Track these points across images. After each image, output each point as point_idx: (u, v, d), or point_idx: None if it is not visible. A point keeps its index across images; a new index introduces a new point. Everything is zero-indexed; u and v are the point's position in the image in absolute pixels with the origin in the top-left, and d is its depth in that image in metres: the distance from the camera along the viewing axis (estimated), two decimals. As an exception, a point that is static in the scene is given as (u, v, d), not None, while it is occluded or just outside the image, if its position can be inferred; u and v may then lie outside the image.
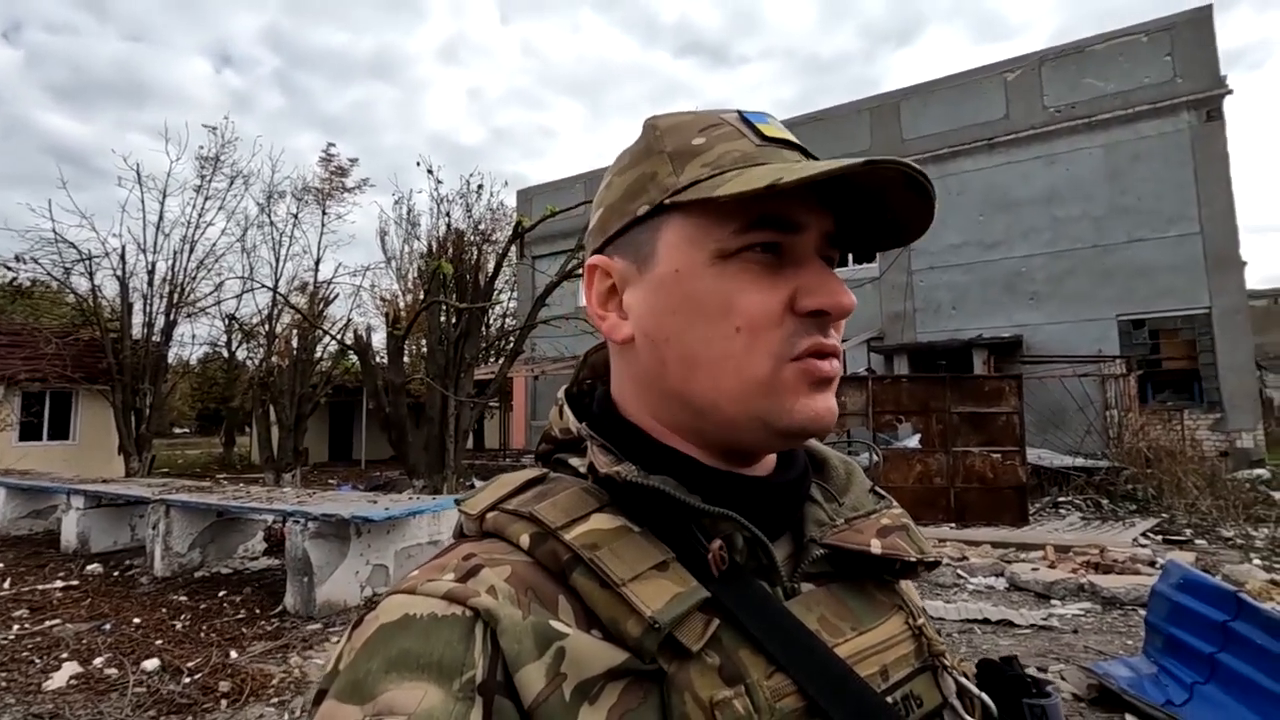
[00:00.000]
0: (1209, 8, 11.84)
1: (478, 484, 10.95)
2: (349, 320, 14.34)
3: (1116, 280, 12.06)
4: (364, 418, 18.55)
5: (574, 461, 0.45)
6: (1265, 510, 7.37)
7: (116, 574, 5.91)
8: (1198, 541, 6.29)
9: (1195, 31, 11.86)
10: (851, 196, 0.42)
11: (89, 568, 6.04)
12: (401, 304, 21.57)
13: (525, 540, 0.38)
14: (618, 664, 0.34)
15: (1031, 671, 0.47)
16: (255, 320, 16.68)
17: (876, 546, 0.44)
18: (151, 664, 3.66)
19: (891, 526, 0.47)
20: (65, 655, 3.83)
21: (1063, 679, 3.42)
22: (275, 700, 3.25)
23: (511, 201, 20.45)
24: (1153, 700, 2.96)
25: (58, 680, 3.49)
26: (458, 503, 0.46)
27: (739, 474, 0.43)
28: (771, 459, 0.47)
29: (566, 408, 0.48)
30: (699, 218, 0.41)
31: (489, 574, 0.36)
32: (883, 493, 0.51)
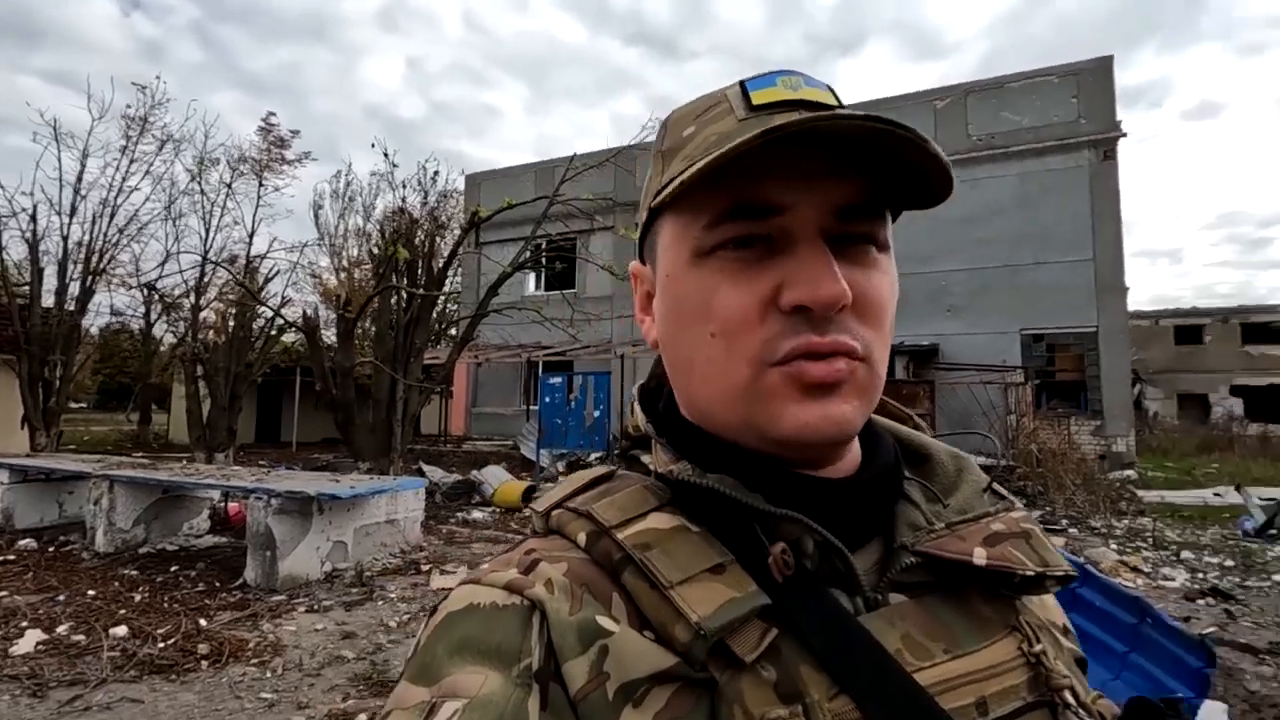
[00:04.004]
0: (1110, 57, 13.23)
1: (424, 468, 10.87)
2: (285, 299, 13.94)
3: (1022, 298, 13.34)
4: (296, 399, 18.02)
5: (645, 458, 0.45)
6: (1128, 505, 8.53)
7: (52, 549, 5.79)
8: (1070, 530, 7.27)
9: (1098, 78, 13.22)
10: (872, 153, 0.36)
11: (21, 543, 5.88)
12: (333, 281, 20.93)
13: (582, 538, 0.38)
14: (665, 667, 0.33)
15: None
16: (179, 292, 15.94)
17: (980, 557, 0.39)
18: (121, 630, 3.77)
19: (1005, 533, 0.41)
20: (25, 623, 3.87)
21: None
22: (255, 661, 3.46)
23: (435, 166, 20.21)
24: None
25: (24, 645, 3.56)
26: (528, 497, 0.56)
27: (805, 474, 0.40)
28: (855, 455, 0.43)
29: (637, 404, 0.48)
30: (677, 217, 0.40)
31: (547, 568, 0.37)
32: (1003, 493, 0.45)
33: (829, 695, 0.33)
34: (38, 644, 3.60)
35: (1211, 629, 4.00)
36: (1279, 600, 4.75)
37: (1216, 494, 9.80)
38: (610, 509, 0.39)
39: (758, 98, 0.38)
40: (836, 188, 0.37)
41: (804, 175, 0.36)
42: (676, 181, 0.36)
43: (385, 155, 9.43)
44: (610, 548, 0.37)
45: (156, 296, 16.61)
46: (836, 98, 0.39)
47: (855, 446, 0.43)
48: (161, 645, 3.60)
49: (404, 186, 9.19)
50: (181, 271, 15.01)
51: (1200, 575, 5.37)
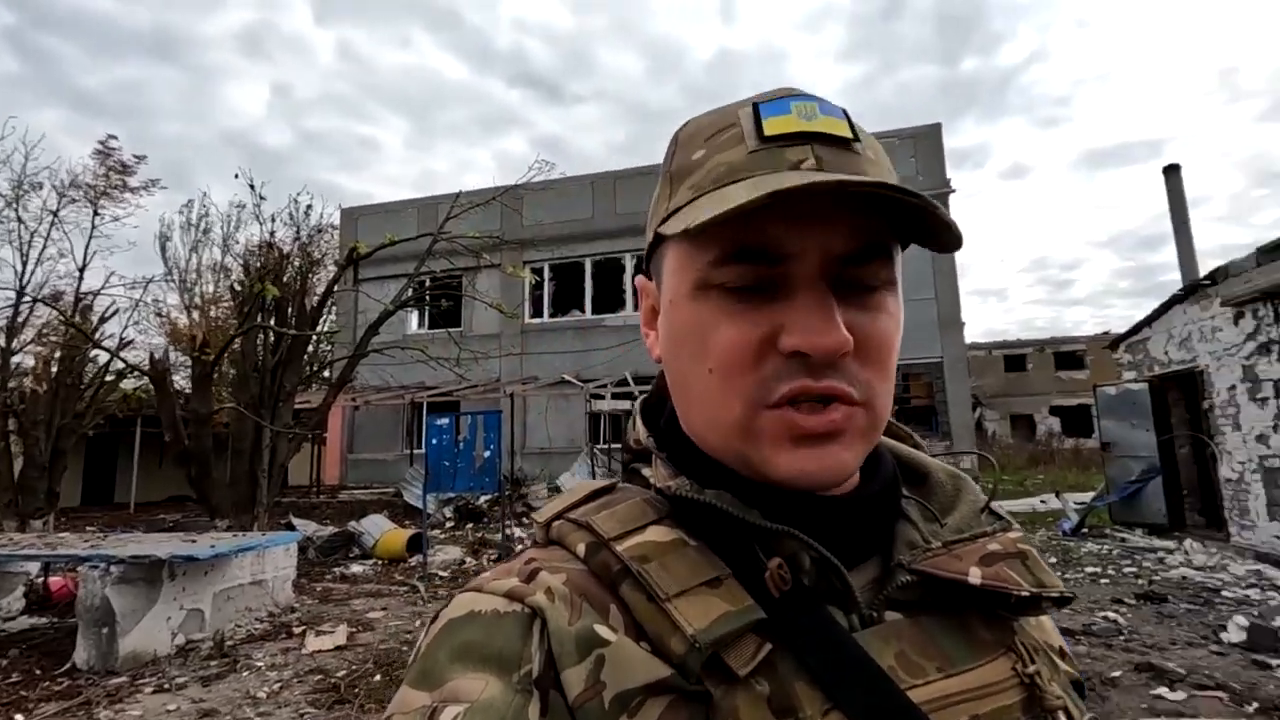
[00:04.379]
0: (939, 125, 15.31)
1: (295, 522, 10.01)
2: (124, 340, 12.39)
3: (879, 332, 14.77)
4: (135, 453, 15.92)
5: (645, 472, 0.45)
6: (974, 515, 9.61)
7: None
8: (929, 541, 8.05)
9: (930, 141, 15.23)
10: (882, 200, 0.36)
11: None
12: (184, 321, 18.98)
13: (581, 549, 0.39)
14: (660, 679, 0.33)
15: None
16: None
17: (976, 576, 0.39)
18: (-96, 740, 3.14)
19: (1001, 553, 0.41)
20: None
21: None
22: (91, 755, 3.01)
23: (309, 199, 19.19)
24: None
25: None
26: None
27: (801, 491, 0.39)
28: (854, 474, 0.42)
29: (638, 418, 0.48)
30: (682, 246, 0.40)
31: (547, 577, 0.37)
32: (1001, 513, 0.45)
33: (822, 711, 0.33)
34: None
35: (1041, 618, 4.59)
36: (1090, 589, 5.55)
37: (1043, 501, 11.25)
38: (609, 521, 0.39)
39: (770, 127, 0.38)
40: (843, 234, 0.37)
41: (812, 220, 0.36)
42: (680, 228, 0.36)
43: (251, 187, 8.78)
44: (609, 559, 0.37)
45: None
46: (851, 126, 0.39)
47: None
48: (-36, 751, 3.04)
49: (273, 220, 8.52)
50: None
51: (1032, 572, 6.14)
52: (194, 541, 5.00)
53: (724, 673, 0.34)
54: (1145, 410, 8.06)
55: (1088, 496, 9.74)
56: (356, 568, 7.36)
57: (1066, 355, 30.86)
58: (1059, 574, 6.02)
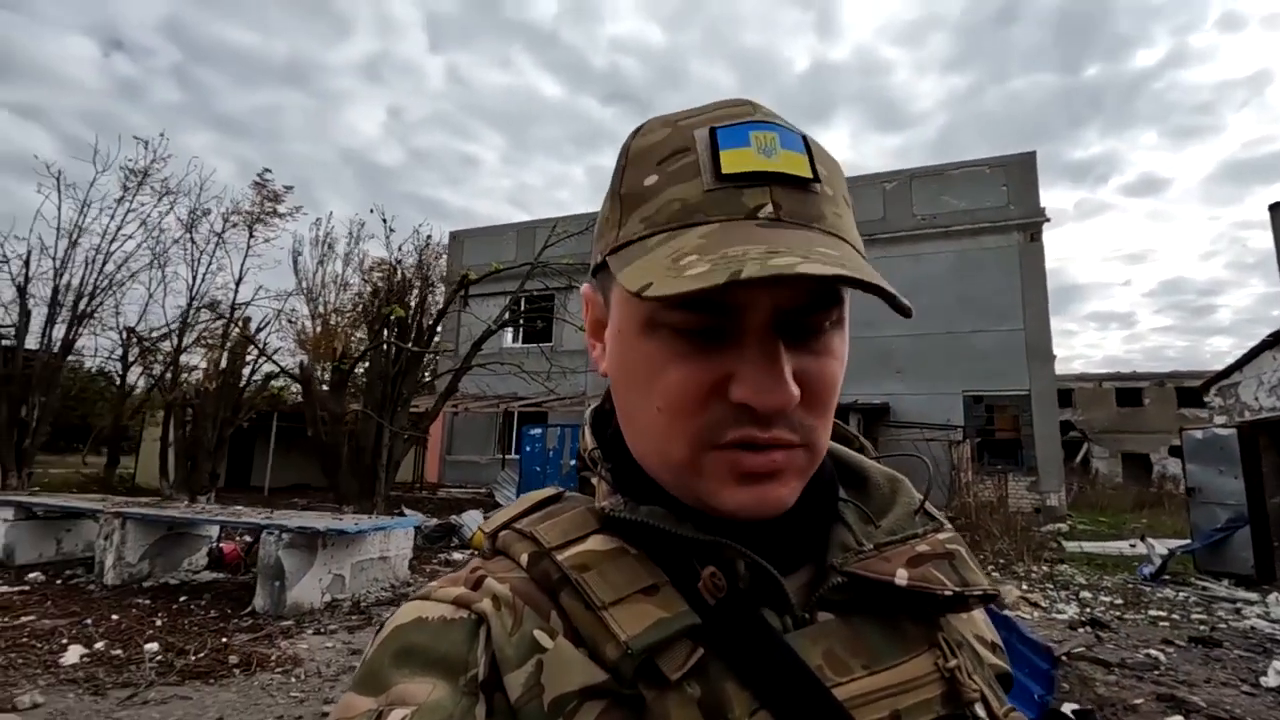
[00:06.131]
0: (1033, 153, 15.00)
1: (405, 511, 11.39)
2: (269, 346, 14.48)
3: (962, 362, 14.60)
4: (271, 444, 18.23)
5: (594, 481, 0.46)
6: (1050, 554, 9.48)
7: (59, 582, 6.20)
8: (994, 574, 8.14)
9: (1023, 170, 14.94)
10: None
11: (30, 575, 6.27)
12: (310, 329, 21.50)
13: (525, 559, 0.40)
14: (595, 683, 0.35)
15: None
16: (158, 335, 16.32)
17: (902, 577, 0.40)
18: (153, 646, 4.30)
19: (929, 554, 0.43)
20: (65, 640, 4.37)
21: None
22: (279, 670, 4.04)
23: (429, 230, 21.22)
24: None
25: (70, 657, 4.07)
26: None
27: None
28: None
29: (587, 429, 0.49)
30: None
31: (492, 584, 0.39)
32: (934, 513, 0.47)
33: (750, 711, 0.35)
34: (82, 656, 4.11)
35: (1080, 648, 4.83)
36: (1146, 629, 5.63)
37: (1131, 545, 10.82)
38: (552, 530, 0.41)
39: (728, 162, 0.37)
40: (794, 289, 0.36)
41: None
42: (634, 287, 0.34)
43: (384, 221, 10.25)
44: (550, 568, 0.39)
45: (135, 340, 16.94)
46: (811, 160, 0.38)
47: None
48: (194, 657, 4.16)
49: (400, 249, 9.97)
50: (165, 314, 15.49)
51: (1089, 610, 6.25)
52: (340, 519, 6.15)
53: (657, 677, 0.35)
54: (1234, 456, 7.80)
55: (1183, 543, 9.38)
56: (457, 555, 8.43)
57: (1190, 391, 28.34)
58: (1119, 613, 6.14)
